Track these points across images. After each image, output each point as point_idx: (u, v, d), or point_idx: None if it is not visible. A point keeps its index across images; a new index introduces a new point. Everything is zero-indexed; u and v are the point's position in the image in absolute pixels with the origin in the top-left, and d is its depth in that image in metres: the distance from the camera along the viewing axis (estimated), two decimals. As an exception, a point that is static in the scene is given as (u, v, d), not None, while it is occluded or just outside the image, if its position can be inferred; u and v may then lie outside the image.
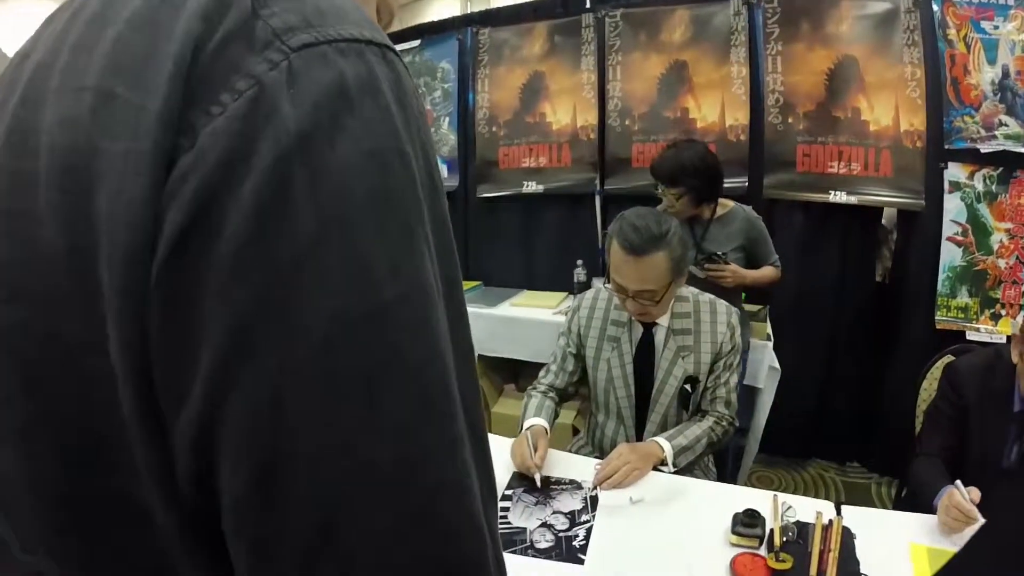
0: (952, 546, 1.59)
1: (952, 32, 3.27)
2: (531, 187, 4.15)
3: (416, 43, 4.48)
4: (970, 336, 3.38)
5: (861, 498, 3.64)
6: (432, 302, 0.43)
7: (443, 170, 4.38)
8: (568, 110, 4.06)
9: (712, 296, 2.20)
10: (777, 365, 3.35)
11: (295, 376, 0.38)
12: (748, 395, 3.40)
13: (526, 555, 1.52)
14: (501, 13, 4.55)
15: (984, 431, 1.98)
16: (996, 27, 3.21)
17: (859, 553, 1.56)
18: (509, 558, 1.51)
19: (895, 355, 3.71)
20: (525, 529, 1.60)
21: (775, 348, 3.38)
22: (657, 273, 1.92)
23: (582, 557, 1.53)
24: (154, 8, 0.42)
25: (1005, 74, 3.22)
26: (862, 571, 1.50)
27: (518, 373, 4.16)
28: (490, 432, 3.28)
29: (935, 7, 3.28)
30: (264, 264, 0.38)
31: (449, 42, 4.37)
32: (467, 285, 4.09)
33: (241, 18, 0.41)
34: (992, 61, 3.24)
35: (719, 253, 2.91)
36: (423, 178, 0.45)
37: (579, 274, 4.04)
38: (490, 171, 4.28)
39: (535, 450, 1.87)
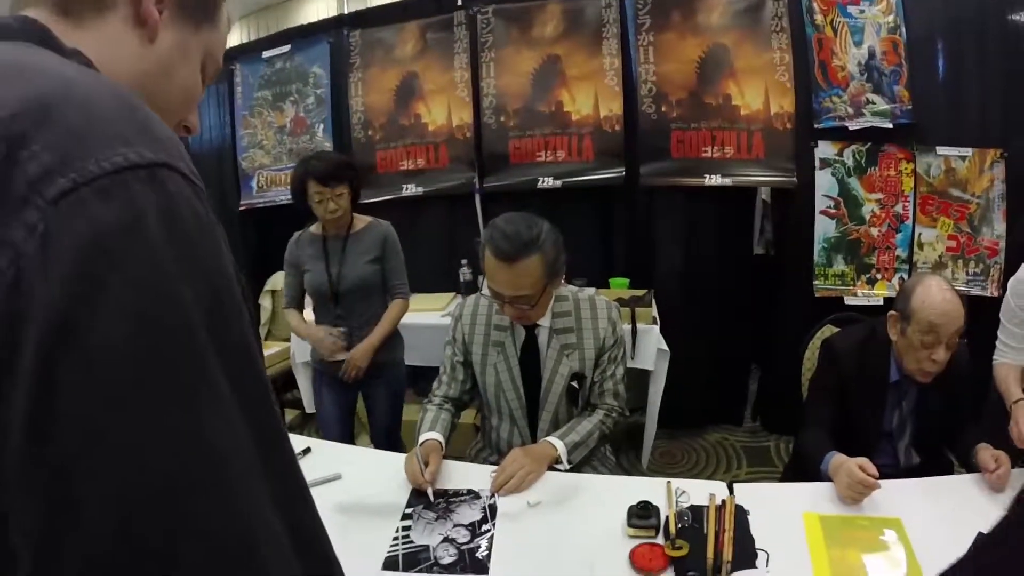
0: (842, 511, 1.74)
1: (819, 17, 3.52)
2: (411, 190, 4.18)
3: (286, 48, 4.41)
4: (848, 300, 3.69)
5: (761, 459, 3.93)
6: (222, 459, 0.44)
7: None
8: (443, 109, 4.10)
9: (592, 292, 2.28)
10: (665, 347, 3.51)
11: (98, 569, 0.40)
12: (640, 377, 3.55)
13: (431, 572, 1.55)
14: (372, 14, 4.53)
15: (865, 400, 2.17)
16: (862, 11, 3.49)
17: (754, 529, 1.66)
18: (414, 578, 1.55)
19: (779, 323, 3.99)
20: (428, 546, 1.63)
21: (662, 330, 3.55)
22: (531, 278, 1.96)
23: (487, 566, 1.57)
24: None
25: (871, 55, 3.50)
26: (758, 546, 1.60)
27: (415, 377, 4.16)
28: None
29: (803, -7, 3.49)
30: (40, 466, 0.39)
31: (320, 45, 4.34)
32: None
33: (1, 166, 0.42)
34: (859, 43, 3.51)
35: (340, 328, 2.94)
36: (206, 312, 0.46)
37: (464, 274, 4.09)
38: (368, 175, 4.22)
39: (426, 465, 1.89)
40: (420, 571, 1.55)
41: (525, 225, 1.97)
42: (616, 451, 2.80)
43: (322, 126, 4.34)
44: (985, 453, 1.87)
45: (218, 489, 0.44)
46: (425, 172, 4.18)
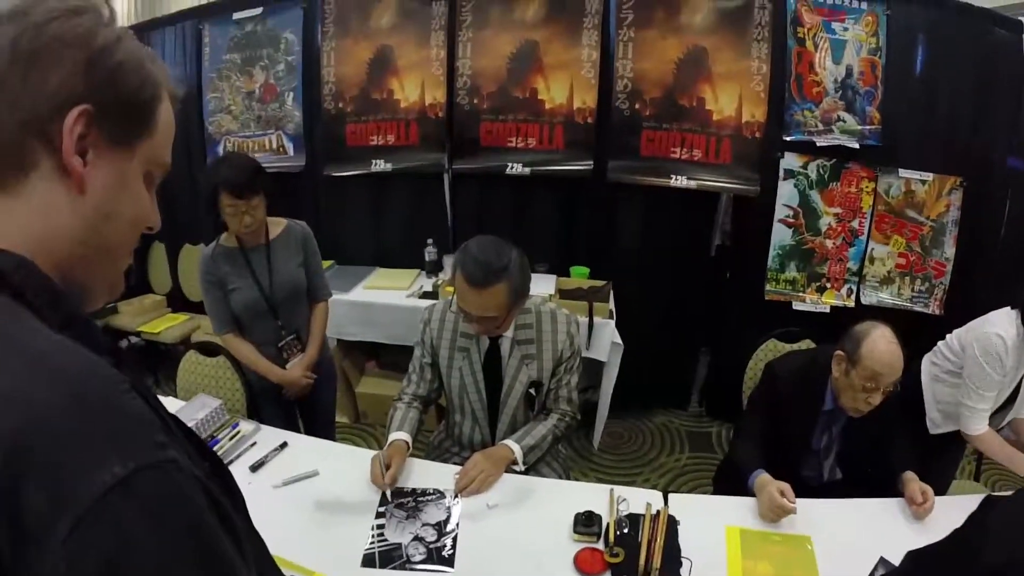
0: (760, 527, 2.13)
1: (803, 31, 3.81)
2: (380, 166, 4.40)
3: (258, 11, 4.49)
4: (796, 306, 4.13)
5: (703, 445, 4.45)
6: None
7: (289, 148, 4.54)
8: (416, 87, 4.30)
9: (553, 306, 2.59)
10: (619, 340, 3.90)
11: None
12: (595, 367, 3.95)
13: (404, 570, 1.90)
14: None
15: (798, 422, 2.55)
16: (846, 28, 3.79)
17: (682, 539, 2.04)
18: (389, 574, 1.89)
19: (730, 319, 4.42)
20: (400, 544, 1.98)
21: (618, 315, 3.95)
22: (498, 302, 2.25)
23: (453, 563, 1.93)
24: None
25: (849, 73, 3.84)
26: (684, 555, 1.98)
27: (379, 350, 4.53)
28: (359, 409, 3.69)
29: (790, 5, 3.79)
30: None
31: (293, 11, 4.43)
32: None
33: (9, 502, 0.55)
34: (838, 61, 3.83)
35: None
36: (200, 565, 0.62)
37: (430, 253, 4.40)
38: (337, 149, 4.47)
39: (387, 468, 2.22)
40: (395, 568, 1.91)
41: (495, 253, 2.25)
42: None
43: (292, 94, 4.49)
44: (913, 486, 2.23)
45: None
46: (395, 149, 4.39)
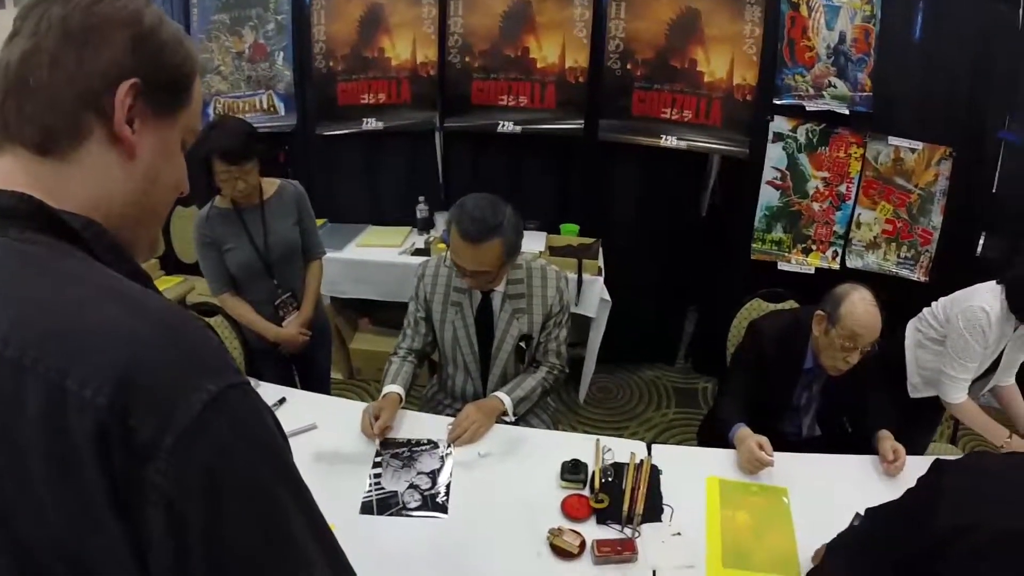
0: (740, 478, 2.25)
1: None
2: (371, 124, 4.44)
3: None
4: (781, 266, 4.23)
5: (689, 401, 4.59)
6: (307, 557, 0.73)
7: (280, 108, 4.56)
8: (407, 45, 4.32)
9: (544, 262, 2.69)
10: (607, 297, 4.02)
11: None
12: (583, 322, 4.08)
13: (400, 516, 2.03)
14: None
15: (780, 379, 2.66)
16: None
17: (664, 487, 2.17)
18: (386, 520, 2.01)
19: (717, 276, 4.54)
20: (396, 492, 2.10)
21: (607, 273, 4.06)
22: (492, 257, 2.36)
23: (447, 508, 2.06)
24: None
25: (842, 40, 3.87)
26: (665, 503, 2.11)
27: (372, 307, 4.63)
28: (352, 366, 4.00)
29: (787, -32, 3.79)
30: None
31: None
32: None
33: (122, 433, 0.62)
34: (831, 26, 3.86)
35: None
36: (279, 478, 0.72)
37: (421, 210, 4.47)
38: (329, 108, 4.49)
39: (376, 419, 2.34)
40: (391, 514, 2.03)
41: (491, 211, 2.34)
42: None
43: (282, 54, 4.48)
44: (886, 444, 2.35)
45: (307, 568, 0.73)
46: (386, 108, 4.42)
